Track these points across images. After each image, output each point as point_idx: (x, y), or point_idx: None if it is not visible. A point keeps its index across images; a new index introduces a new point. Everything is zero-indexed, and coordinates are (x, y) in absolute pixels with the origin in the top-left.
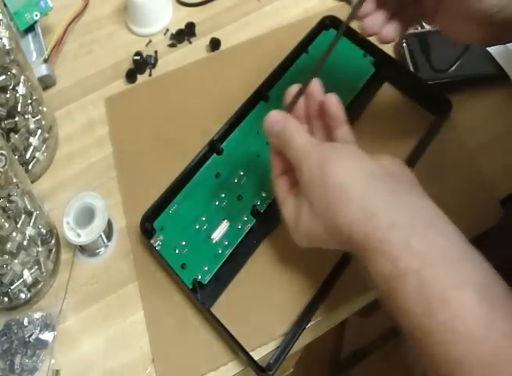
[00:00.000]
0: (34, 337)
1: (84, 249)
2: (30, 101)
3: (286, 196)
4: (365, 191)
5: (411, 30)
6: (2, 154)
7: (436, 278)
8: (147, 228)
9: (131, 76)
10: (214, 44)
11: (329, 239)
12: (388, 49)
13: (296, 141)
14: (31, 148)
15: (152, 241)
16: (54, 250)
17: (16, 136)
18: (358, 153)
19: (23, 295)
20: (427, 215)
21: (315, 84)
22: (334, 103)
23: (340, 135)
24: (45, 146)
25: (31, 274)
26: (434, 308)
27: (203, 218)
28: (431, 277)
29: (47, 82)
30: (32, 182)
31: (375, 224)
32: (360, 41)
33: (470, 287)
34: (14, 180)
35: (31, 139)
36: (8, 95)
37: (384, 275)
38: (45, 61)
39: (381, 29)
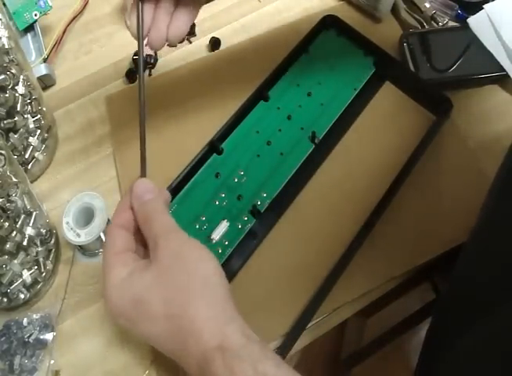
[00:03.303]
0: (33, 337)
1: (83, 249)
2: (29, 101)
3: (123, 253)
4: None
5: (411, 30)
6: (1, 154)
7: None
8: None
9: (131, 76)
10: (214, 44)
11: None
12: (389, 49)
13: (162, 218)
14: (31, 148)
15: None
16: (53, 250)
17: (16, 136)
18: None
19: (22, 295)
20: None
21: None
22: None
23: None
24: (44, 145)
25: (31, 274)
26: None
27: (203, 218)
28: None
29: (46, 82)
30: (31, 182)
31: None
32: (360, 40)
33: None
34: (13, 180)
35: (31, 139)
36: (7, 95)
37: None
38: (45, 61)
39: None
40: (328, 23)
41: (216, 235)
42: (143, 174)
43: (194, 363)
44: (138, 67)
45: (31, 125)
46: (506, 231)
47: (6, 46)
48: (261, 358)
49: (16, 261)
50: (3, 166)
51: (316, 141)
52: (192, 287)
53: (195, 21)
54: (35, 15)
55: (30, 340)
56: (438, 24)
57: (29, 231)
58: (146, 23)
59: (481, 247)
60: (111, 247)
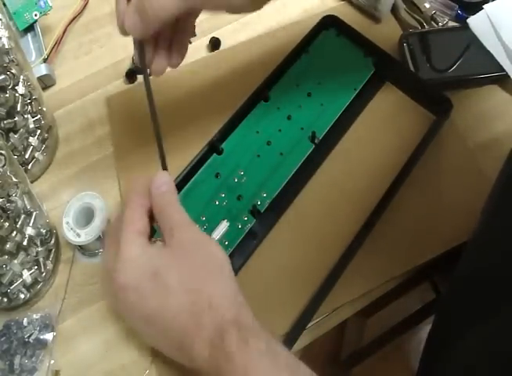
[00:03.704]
0: (33, 337)
1: (83, 249)
2: (29, 101)
3: (143, 234)
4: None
5: (411, 30)
6: (2, 154)
7: None
8: None
9: (130, 76)
10: (214, 44)
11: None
12: (388, 49)
13: (178, 210)
14: (31, 148)
15: (152, 241)
16: (53, 250)
17: (16, 136)
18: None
19: (22, 295)
20: None
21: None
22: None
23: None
24: (44, 145)
25: (31, 274)
26: None
27: (203, 218)
28: None
29: (46, 82)
30: (32, 182)
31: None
32: (360, 40)
33: None
34: (13, 180)
35: (31, 139)
36: (7, 95)
37: None
38: (45, 61)
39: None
40: (328, 23)
41: (216, 235)
42: (164, 167)
43: (206, 337)
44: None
45: (31, 125)
46: (506, 235)
47: (6, 46)
48: (272, 339)
49: (16, 261)
50: (3, 166)
51: (316, 141)
52: (210, 269)
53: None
54: (35, 15)
55: (30, 340)
56: (437, 24)
57: (29, 231)
58: (149, 58)
59: (482, 249)
60: (131, 223)
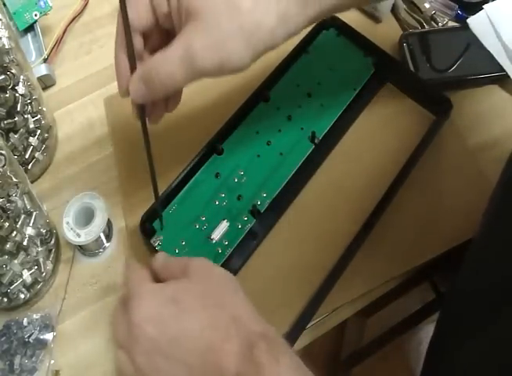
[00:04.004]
0: (33, 337)
1: (83, 249)
2: (29, 101)
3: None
4: None
5: (411, 30)
6: (2, 154)
7: None
8: (147, 228)
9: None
10: None
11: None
12: (388, 49)
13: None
14: (31, 148)
15: (152, 241)
16: (53, 250)
17: (16, 136)
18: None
19: (22, 295)
20: None
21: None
22: None
23: None
24: (44, 146)
25: (31, 274)
26: None
27: (203, 218)
28: None
29: (46, 82)
30: (32, 182)
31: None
32: (360, 41)
33: None
34: (14, 180)
35: (31, 139)
36: (7, 95)
37: None
38: (45, 61)
39: None
40: (328, 23)
41: (216, 235)
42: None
43: (234, 349)
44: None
45: (31, 125)
46: (508, 240)
47: (6, 46)
48: (299, 359)
49: (16, 261)
50: (3, 166)
51: (316, 141)
52: (227, 288)
53: None
54: (35, 15)
55: (31, 340)
56: (437, 24)
57: (29, 231)
58: (148, 112)
59: (484, 252)
60: (139, 271)
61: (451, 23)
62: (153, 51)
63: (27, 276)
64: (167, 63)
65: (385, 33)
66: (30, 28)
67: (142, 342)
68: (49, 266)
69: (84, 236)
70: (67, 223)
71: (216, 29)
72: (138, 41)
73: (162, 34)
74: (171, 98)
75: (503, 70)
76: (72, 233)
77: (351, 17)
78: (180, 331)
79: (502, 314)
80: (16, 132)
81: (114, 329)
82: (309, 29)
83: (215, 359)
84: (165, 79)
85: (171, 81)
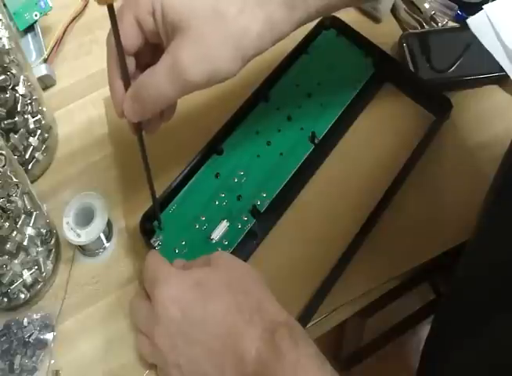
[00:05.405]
0: (33, 337)
1: (84, 249)
2: (29, 101)
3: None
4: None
5: (411, 30)
6: (2, 154)
7: None
8: (147, 228)
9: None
10: None
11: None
12: (388, 49)
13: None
14: (31, 148)
15: (152, 241)
16: (54, 250)
17: (16, 136)
18: None
19: (22, 295)
20: None
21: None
22: None
23: None
24: (44, 146)
25: (31, 274)
26: None
27: (203, 218)
28: None
29: (47, 82)
30: (32, 182)
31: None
32: (360, 41)
33: None
34: (14, 180)
35: (31, 139)
36: (7, 95)
37: None
38: (45, 61)
39: None
40: (328, 23)
41: (216, 235)
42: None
43: (256, 333)
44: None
45: (31, 125)
46: (506, 237)
47: (7, 47)
48: (317, 348)
49: (16, 261)
50: (3, 166)
51: (316, 141)
52: (253, 279)
53: None
54: (35, 15)
55: (31, 340)
56: (437, 25)
57: (29, 231)
58: (144, 125)
59: (482, 249)
60: (163, 259)
61: (451, 24)
62: (146, 68)
63: (27, 276)
64: (155, 80)
65: (385, 33)
66: (31, 28)
67: (164, 323)
68: (49, 266)
69: (84, 236)
70: (67, 223)
71: (202, 40)
72: (129, 62)
73: (153, 50)
74: (166, 109)
75: (503, 70)
76: (72, 233)
77: (351, 17)
78: (203, 315)
79: (495, 315)
80: (16, 132)
81: (135, 315)
82: (309, 29)
83: (236, 342)
84: (156, 96)
85: (162, 98)
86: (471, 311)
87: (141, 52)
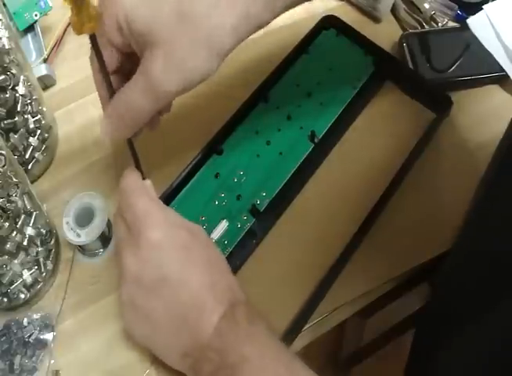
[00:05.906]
0: (33, 337)
1: (84, 249)
2: (29, 101)
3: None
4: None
5: (411, 30)
6: (2, 154)
7: None
8: None
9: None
10: None
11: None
12: (388, 49)
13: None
14: (31, 148)
15: None
16: (54, 250)
17: (16, 136)
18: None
19: (22, 295)
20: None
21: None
22: None
23: None
24: (44, 146)
25: (31, 274)
26: None
27: (203, 218)
28: None
29: (47, 82)
30: (32, 182)
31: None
32: (360, 40)
33: None
34: (14, 180)
35: (31, 139)
36: (7, 95)
37: None
38: (45, 61)
39: None
40: (328, 23)
41: (215, 234)
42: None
43: (223, 309)
44: None
45: (31, 125)
46: (495, 229)
47: (7, 47)
48: (272, 330)
49: (16, 261)
50: (3, 166)
51: (316, 140)
52: (224, 259)
53: None
54: (35, 15)
55: (31, 340)
56: (437, 25)
57: (29, 231)
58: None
59: (469, 248)
60: (146, 194)
61: (451, 24)
62: None
63: (27, 276)
64: (131, 96)
65: (385, 33)
66: (31, 28)
67: (145, 258)
68: (49, 266)
69: (84, 236)
70: (67, 223)
71: (171, 49)
72: (113, 80)
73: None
74: (152, 120)
75: (503, 70)
76: (72, 233)
77: (351, 17)
78: (180, 276)
79: (502, 299)
80: (16, 132)
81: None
82: (309, 29)
83: (201, 315)
84: (134, 112)
85: (140, 114)
86: (457, 306)
87: (125, 65)
